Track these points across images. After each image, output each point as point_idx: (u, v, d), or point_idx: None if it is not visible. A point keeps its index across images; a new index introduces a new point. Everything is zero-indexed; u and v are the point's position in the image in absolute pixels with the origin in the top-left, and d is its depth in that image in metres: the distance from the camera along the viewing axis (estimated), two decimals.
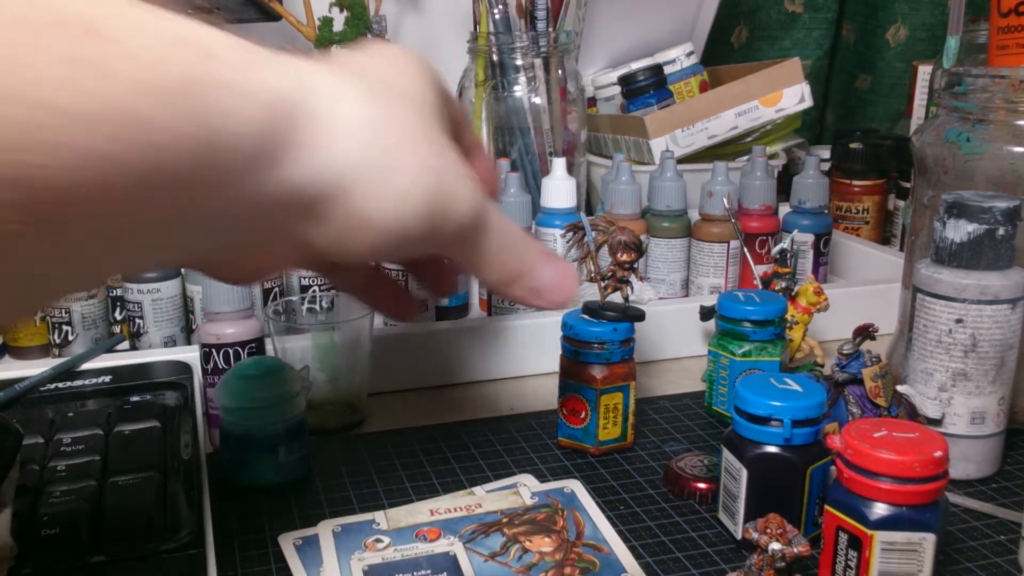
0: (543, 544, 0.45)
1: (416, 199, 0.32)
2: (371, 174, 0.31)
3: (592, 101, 1.05)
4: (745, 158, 0.84)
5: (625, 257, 0.54)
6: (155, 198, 0.24)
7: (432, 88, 0.37)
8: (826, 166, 0.99)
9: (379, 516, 0.47)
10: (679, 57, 1.03)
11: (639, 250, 0.55)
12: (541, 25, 0.79)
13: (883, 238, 0.97)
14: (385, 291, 0.46)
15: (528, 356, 0.68)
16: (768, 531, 0.39)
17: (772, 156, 0.94)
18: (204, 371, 0.56)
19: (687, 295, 0.80)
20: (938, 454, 0.39)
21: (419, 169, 0.33)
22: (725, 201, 0.75)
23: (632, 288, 0.57)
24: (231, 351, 0.54)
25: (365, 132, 0.31)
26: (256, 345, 0.55)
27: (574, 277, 0.42)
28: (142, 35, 0.23)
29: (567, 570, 0.43)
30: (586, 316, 0.55)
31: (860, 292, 0.76)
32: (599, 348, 0.54)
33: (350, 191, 0.31)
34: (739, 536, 0.45)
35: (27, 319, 0.65)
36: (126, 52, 0.23)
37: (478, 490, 0.51)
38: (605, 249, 0.57)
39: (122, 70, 0.22)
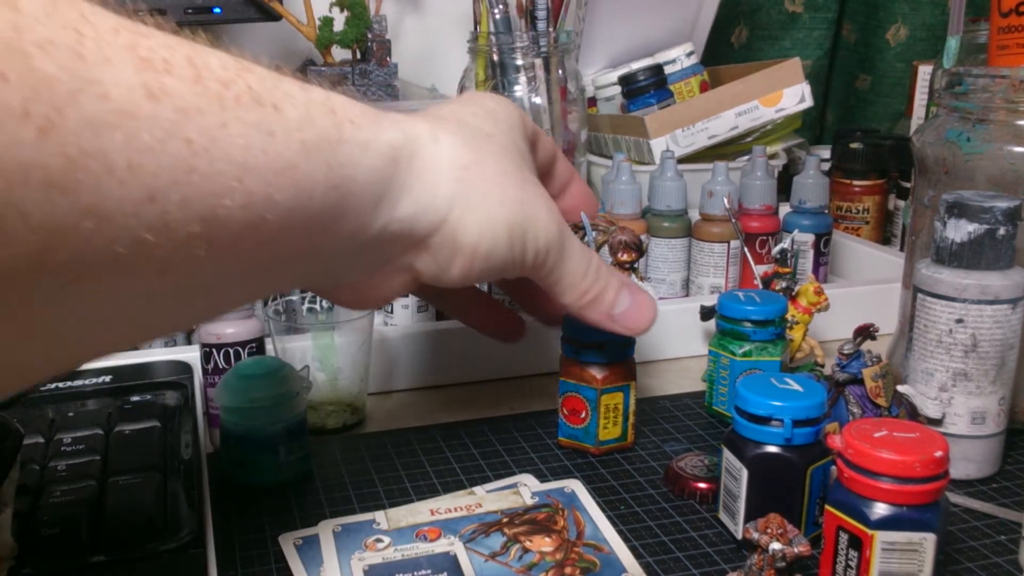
0: (543, 544, 0.45)
1: (499, 227, 0.38)
2: (463, 208, 0.37)
3: (592, 101, 1.05)
4: (745, 158, 0.84)
5: (625, 257, 0.54)
6: (296, 232, 0.30)
7: (517, 129, 0.43)
8: (826, 166, 0.99)
9: (379, 516, 0.47)
10: (679, 57, 1.03)
11: (639, 250, 0.54)
12: (541, 25, 0.79)
13: (883, 238, 0.97)
14: (490, 314, 0.53)
15: (528, 356, 0.68)
16: (769, 531, 0.39)
17: (772, 156, 0.94)
18: (204, 371, 0.56)
19: (687, 295, 0.80)
20: (938, 454, 0.39)
21: (504, 202, 0.38)
22: (725, 201, 0.75)
23: None
24: (231, 351, 0.54)
25: (460, 172, 0.37)
26: (256, 345, 0.55)
27: (652, 308, 0.48)
28: (293, 104, 0.29)
29: (567, 570, 0.43)
30: None
31: (860, 292, 0.76)
32: (599, 348, 0.54)
33: (446, 223, 0.37)
34: (739, 536, 0.45)
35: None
36: (283, 117, 0.28)
37: (478, 490, 0.51)
38: (606, 249, 0.57)
39: (280, 131, 0.28)
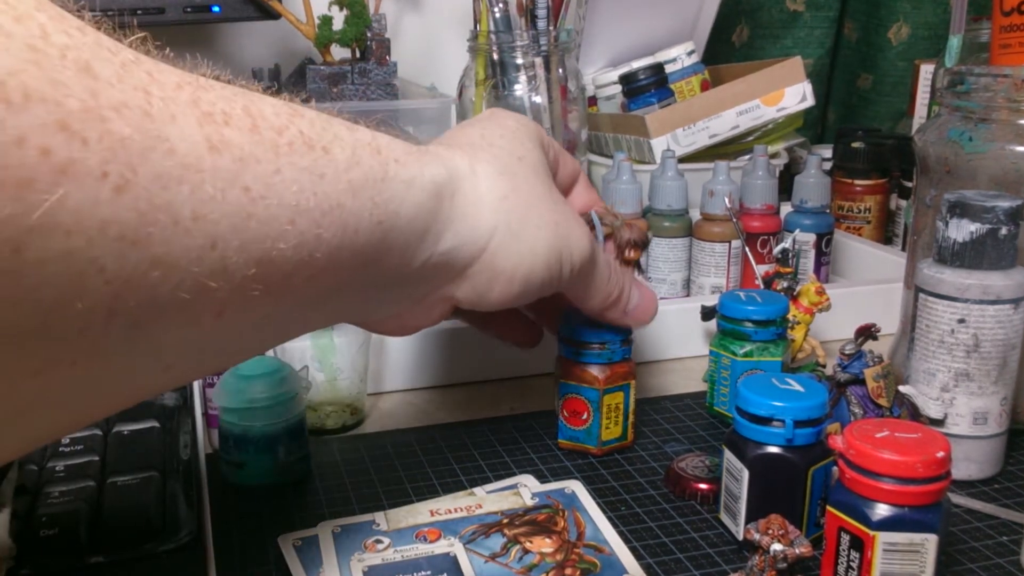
0: (544, 545, 0.45)
1: (538, 251, 0.40)
2: (504, 237, 0.38)
3: (593, 100, 1.05)
4: (746, 157, 0.84)
5: (633, 255, 0.54)
6: (343, 268, 0.31)
7: (539, 147, 0.45)
8: (828, 165, 0.99)
9: (379, 517, 0.47)
10: (680, 56, 1.03)
11: (645, 246, 0.55)
12: (542, 24, 0.79)
13: (885, 238, 0.97)
14: (511, 323, 0.54)
15: (529, 356, 0.67)
16: (770, 532, 0.39)
17: (774, 155, 0.94)
18: None
19: (688, 295, 0.80)
20: (940, 455, 0.39)
21: (541, 226, 0.40)
22: (726, 200, 0.75)
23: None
24: None
25: (498, 203, 0.38)
26: None
27: (655, 299, 0.51)
28: (341, 146, 0.30)
29: (568, 571, 0.43)
30: None
31: (862, 292, 0.76)
32: (600, 348, 0.54)
33: (487, 254, 0.38)
34: (741, 537, 0.45)
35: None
36: (332, 159, 0.29)
37: (478, 490, 0.50)
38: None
39: (329, 173, 0.29)
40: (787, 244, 0.68)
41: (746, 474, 0.44)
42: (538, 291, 0.41)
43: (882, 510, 0.39)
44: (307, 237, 0.28)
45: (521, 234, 0.39)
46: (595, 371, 0.54)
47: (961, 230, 0.50)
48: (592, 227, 0.53)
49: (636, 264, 0.55)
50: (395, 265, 0.34)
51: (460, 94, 0.84)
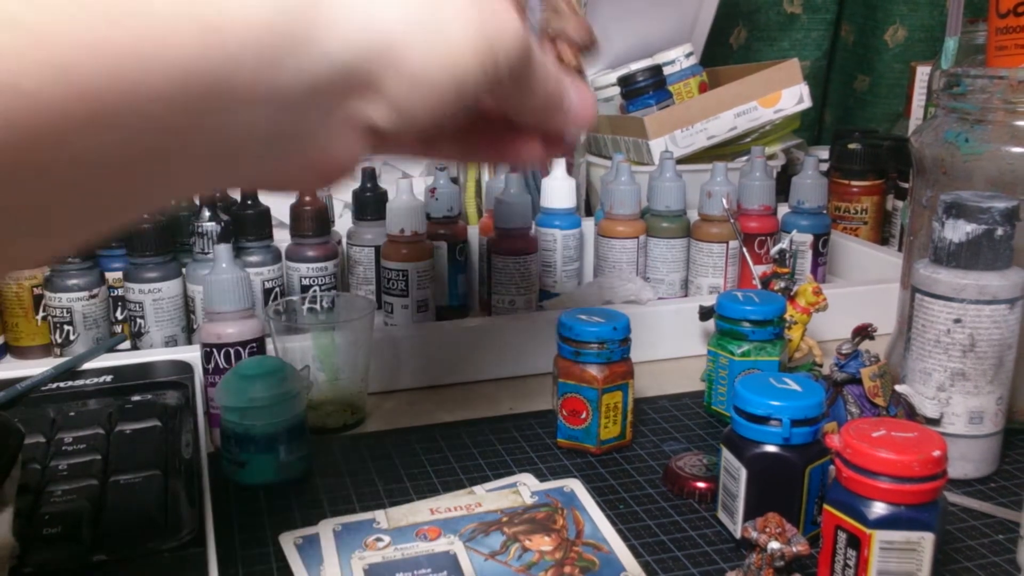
0: (543, 543, 0.45)
1: (465, 46, 0.31)
2: (415, 31, 0.29)
3: None
4: (744, 158, 0.84)
5: (570, 56, 0.45)
6: (172, 118, 0.23)
7: None
8: (825, 166, 0.99)
9: (379, 515, 0.47)
10: (678, 58, 1.03)
11: (589, 49, 0.46)
12: None
13: (882, 238, 0.97)
14: (484, 139, 0.41)
15: (528, 356, 0.68)
16: (767, 530, 0.39)
17: (771, 156, 0.94)
18: (205, 371, 0.56)
19: (686, 295, 0.80)
20: (937, 453, 0.39)
21: (461, 14, 0.31)
22: (724, 201, 0.75)
23: None
24: (232, 351, 0.55)
25: None
26: (257, 345, 0.56)
27: (593, 97, 0.40)
28: None
29: (567, 569, 0.43)
30: None
31: (859, 292, 0.76)
32: (599, 348, 0.54)
33: (398, 53, 0.29)
34: (738, 535, 0.46)
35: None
36: None
37: (478, 489, 0.51)
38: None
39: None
40: (784, 245, 0.69)
41: (744, 473, 0.45)
42: (473, 94, 0.32)
43: (879, 508, 0.39)
44: (81, 69, 0.20)
45: (438, 26, 0.30)
46: (594, 371, 0.55)
47: (957, 231, 0.50)
48: (524, 16, 0.44)
49: (579, 70, 0.46)
50: (254, 96, 0.25)
51: None
